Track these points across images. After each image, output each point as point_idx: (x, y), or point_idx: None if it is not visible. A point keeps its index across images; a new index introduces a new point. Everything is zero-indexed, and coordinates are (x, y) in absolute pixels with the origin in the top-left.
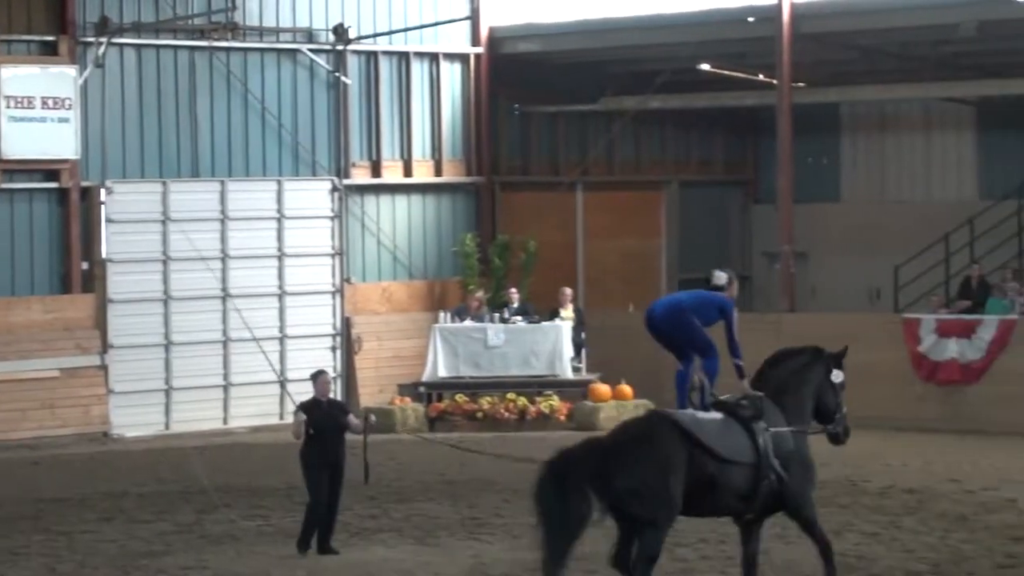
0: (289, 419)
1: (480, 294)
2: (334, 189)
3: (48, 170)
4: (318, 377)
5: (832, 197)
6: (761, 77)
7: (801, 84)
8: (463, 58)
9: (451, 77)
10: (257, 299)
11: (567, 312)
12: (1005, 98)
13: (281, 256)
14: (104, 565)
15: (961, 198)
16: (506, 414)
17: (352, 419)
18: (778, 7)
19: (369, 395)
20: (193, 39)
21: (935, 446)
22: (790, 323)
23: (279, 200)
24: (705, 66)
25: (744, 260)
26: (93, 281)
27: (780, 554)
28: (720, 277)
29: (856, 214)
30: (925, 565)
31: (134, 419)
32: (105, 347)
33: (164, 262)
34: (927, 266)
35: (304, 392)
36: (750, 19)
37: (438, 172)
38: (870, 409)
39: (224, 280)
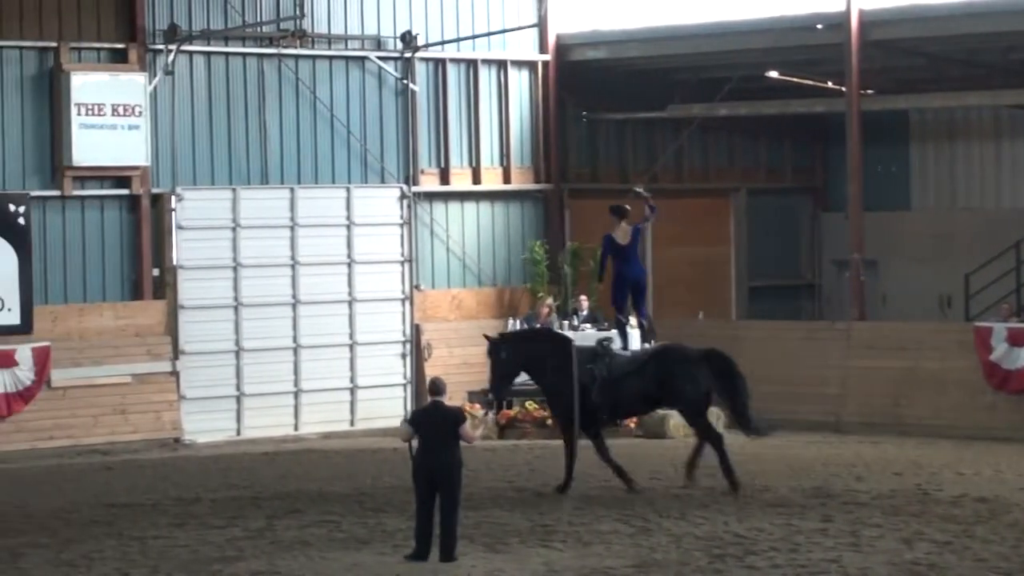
0: (362, 425)
1: (549, 301)
2: (403, 196)
3: (119, 177)
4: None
5: (902, 205)
6: (830, 84)
7: (870, 91)
8: (531, 65)
9: (519, 84)
10: (327, 306)
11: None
12: None
13: (350, 263)
14: (176, 570)
15: None
16: None
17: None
18: (846, 14)
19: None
20: (262, 47)
21: (1007, 455)
22: (860, 331)
23: (348, 207)
24: (773, 73)
25: (813, 268)
26: (164, 288)
27: (853, 561)
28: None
29: (926, 222)
30: (998, 575)
31: (205, 425)
32: (176, 353)
33: (234, 268)
34: (998, 274)
35: (375, 399)
36: (818, 26)
37: (506, 179)
38: (941, 418)
39: (294, 287)
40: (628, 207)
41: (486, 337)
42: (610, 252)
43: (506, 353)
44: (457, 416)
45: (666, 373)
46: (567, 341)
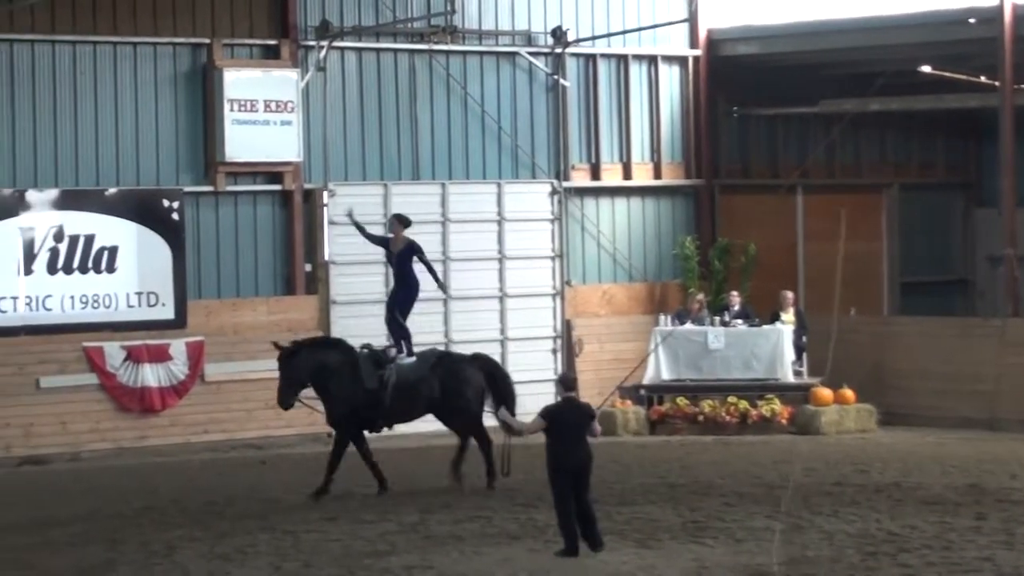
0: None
1: (700, 297)
2: (554, 192)
3: (271, 173)
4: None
5: None
6: (983, 79)
7: None
8: (681, 60)
9: (669, 80)
10: (478, 301)
11: (788, 315)
12: None
13: (501, 258)
14: (329, 564)
15: None
16: (727, 418)
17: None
18: (999, 8)
19: (590, 398)
20: (413, 42)
21: None
22: (1015, 328)
23: (499, 203)
24: (926, 68)
25: (966, 264)
26: (316, 283)
27: (1007, 560)
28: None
29: None
30: None
31: None
32: None
33: (386, 264)
34: None
35: (526, 395)
36: (971, 20)
37: (657, 175)
38: None
39: (445, 282)
40: (410, 219)
41: (275, 345)
42: (384, 252)
43: (298, 361)
44: (589, 411)
45: (449, 379)
46: (352, 349)
